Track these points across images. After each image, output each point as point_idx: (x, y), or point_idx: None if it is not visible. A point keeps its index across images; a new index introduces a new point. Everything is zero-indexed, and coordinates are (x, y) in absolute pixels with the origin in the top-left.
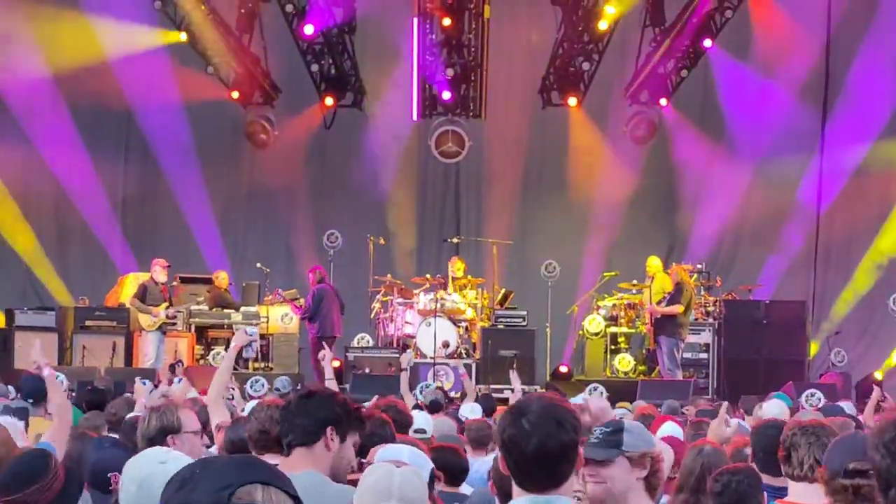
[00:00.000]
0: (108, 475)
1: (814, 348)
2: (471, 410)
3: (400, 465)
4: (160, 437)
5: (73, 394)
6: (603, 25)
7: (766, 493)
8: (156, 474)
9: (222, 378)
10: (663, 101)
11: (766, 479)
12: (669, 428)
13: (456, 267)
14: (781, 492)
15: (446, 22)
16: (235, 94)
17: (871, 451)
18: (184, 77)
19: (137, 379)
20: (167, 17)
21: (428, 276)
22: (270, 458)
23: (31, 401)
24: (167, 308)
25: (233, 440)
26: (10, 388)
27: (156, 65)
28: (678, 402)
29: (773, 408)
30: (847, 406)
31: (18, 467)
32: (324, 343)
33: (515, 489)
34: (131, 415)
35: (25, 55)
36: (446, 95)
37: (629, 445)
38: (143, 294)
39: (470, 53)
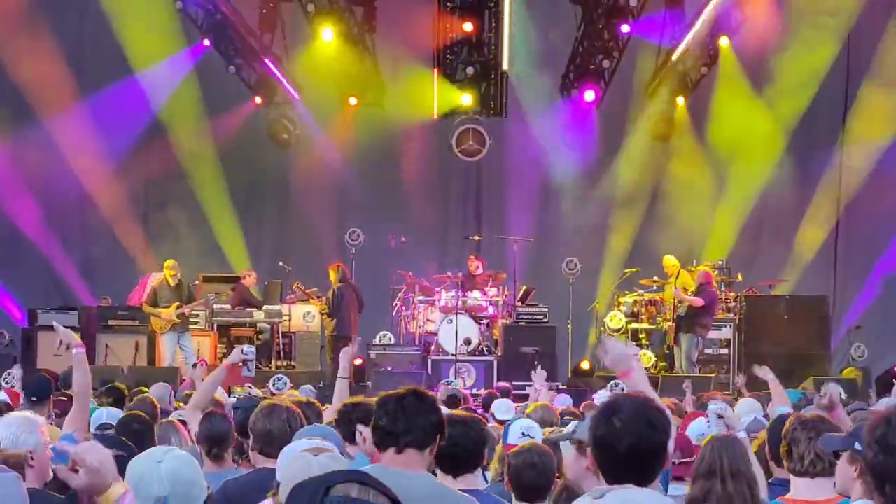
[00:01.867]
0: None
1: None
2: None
3: (318, 454)
4: None
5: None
6: (625, 28)
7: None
8: (151, 471)
9: (206, 390)
10: (679, 100)
11: (780, 472)
12: (701, 427)
13: (473, 265)
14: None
15: (467, 27)
16: (257, 95)
17: (864, 448)
18: (206, 77)
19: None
20: (188, 18)
21: (449, 273)
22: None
23: (34, 399)
24: (178, 308)
25: (209, 431)
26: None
27: (178, 65)
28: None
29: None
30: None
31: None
32: (341, 342)
33: (600, 482)
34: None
35: (47, 56)
36: (466, 100)
37: (579, 433)
38: (153, 297)
39: (490, 52)
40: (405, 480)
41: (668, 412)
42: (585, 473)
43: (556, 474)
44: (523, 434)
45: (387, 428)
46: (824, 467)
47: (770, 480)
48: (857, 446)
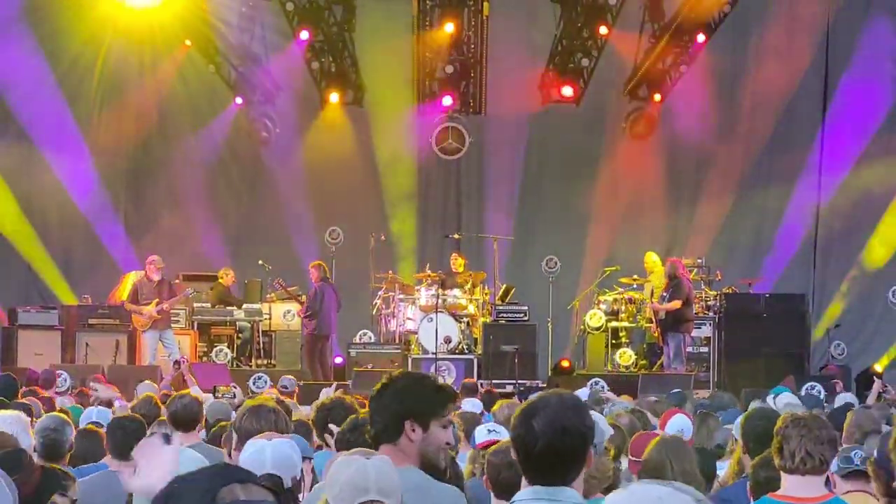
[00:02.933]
0: None
1: (819, 332)
2: (472, 406)
3: (370, 457)
4: None
5: (76, 391)
6: (603, 30)
7: None
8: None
9: None
10: (657, 97)
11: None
12: (680, 420)
13: (457, 263)
14: None
15: (449, 28)
16: (237, 94)
17: (891, 451)
18: (185, 77)
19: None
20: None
21: (429, 271)
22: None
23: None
24: (157, 305)
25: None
26: None
27: (157, 65)
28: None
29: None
30: (848, 396)
31: None
32: (319, 341)
33: (523, 481)
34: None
35: (26, 53)
36: (447, 101)
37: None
38: (135, 294)
39: (469, 50)
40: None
41: (590, 416)
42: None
43: None
44: (489, 431)
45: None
46: (815, 465)
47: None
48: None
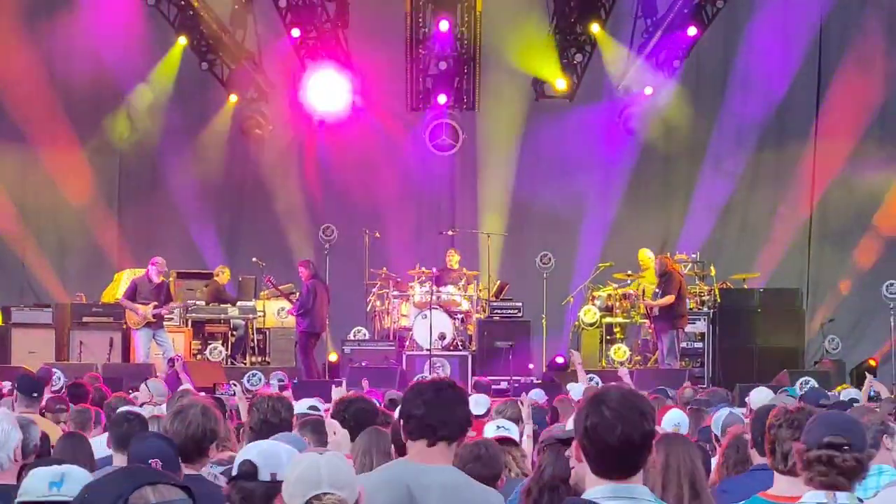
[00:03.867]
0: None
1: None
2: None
3: (322, 453)
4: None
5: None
6: (595, 27)
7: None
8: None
9: None
10: (648, 90)
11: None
12: (676, 416)
13: (451, 260)
14: None
15: (442, 24)
16: (230, 91)
17: None
18: (179, 73)
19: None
20: (161, 15)
21: (423, 268)
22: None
23: (35, 394)
24: (155, 308)
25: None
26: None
27: (151, 62)
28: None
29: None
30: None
31: None
32: (312, 338)
33: (591, 477)
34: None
35: (20, 54)
36: (442, 99)
37: None
38: (132, 291)
39: (463, 46)
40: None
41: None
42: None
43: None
44: (498, 428)
45: (425, 419)
46: None
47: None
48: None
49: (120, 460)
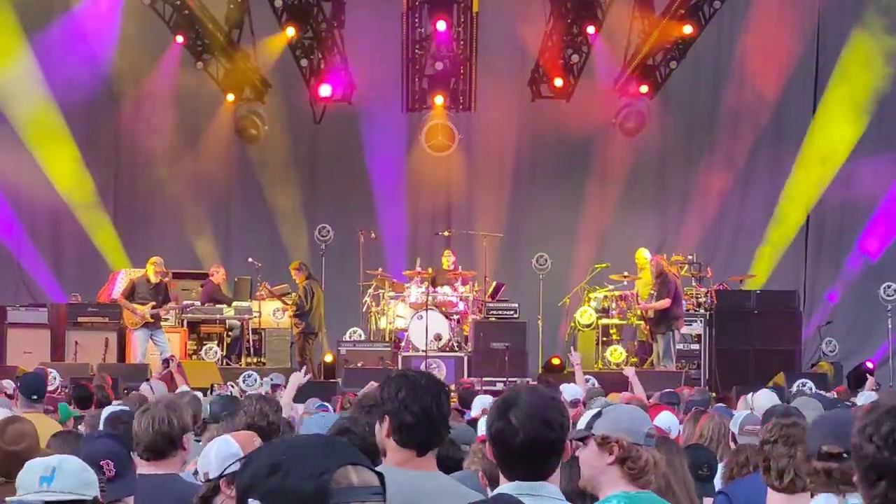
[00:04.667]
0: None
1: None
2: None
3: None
4: None
5: (66, 390)
6: (590, 29)
7: None
8: None
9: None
10: (643, 89)
11: None
12: (666, 417)
13: (447, 260)
14: None
15: (439, 25)
16: (226, 91)
17: (864, 441)
18: (174, 73)
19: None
20: (157, 14)
21: (419, 269)
22: None
23: (35, 397)
24: (153, 308)
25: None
26: (9, 382)
27: (147, 62)
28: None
29: (764, 398)
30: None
31: None
32: (309, 338)
33: (502, 476)
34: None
35: (17, 53)
36: (438, 100)
37: (597, 428)
38: (131, 291)
39: (459, 47)
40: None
41: (568, 410)
42: (605, 469)
43: None
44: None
45: (421, 432)
46: (805, 485)
47: None
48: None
49: None
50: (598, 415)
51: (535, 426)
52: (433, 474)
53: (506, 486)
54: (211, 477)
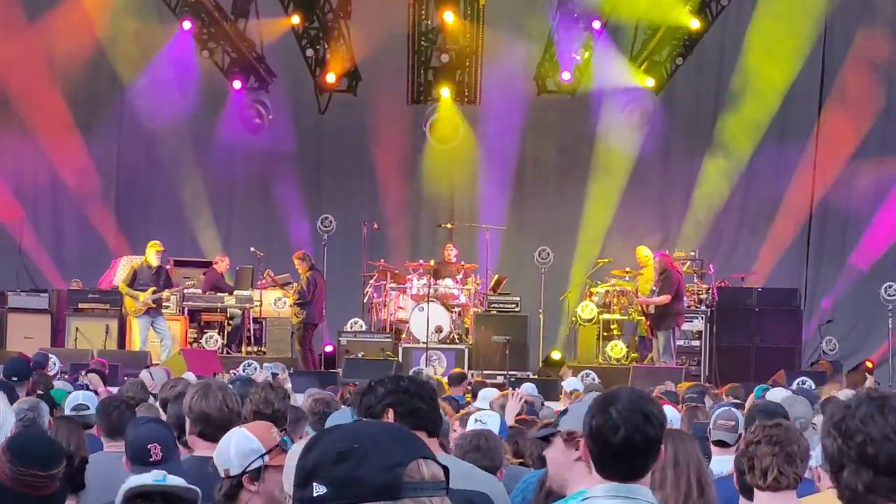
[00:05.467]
0: (148, 447)
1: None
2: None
3: None
4: None
5: (66, 376)
6: (596, 24)
7: None
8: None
9: None
10: (652, 86)
11: None
12: (668, 412)
13: (450, 253)
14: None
15: (447, 17)
16: (231, 79)
17: (825, 438)
18: (179, 62)
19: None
20: (163, 2)
21: (421, 261)
22: None
23: (14, 379)
24: (154, 293)
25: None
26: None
27: (151, 50)
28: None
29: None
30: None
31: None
32: (310, 329)
33: (596, 475)
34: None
35: (20, 40)
36: (443, 92)
37: (562, 424)
38: (133, 278)
39: (465, 39)
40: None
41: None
42: (572, 465)
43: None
44: (476, 421)
45: (429, 415)
46: (788, 483)
47: None
48: None
49: (112, 447)
50: (565, 412)
51: (637, 421)
52: (448, 457)
53: (599, 488)
54: (233, 474)
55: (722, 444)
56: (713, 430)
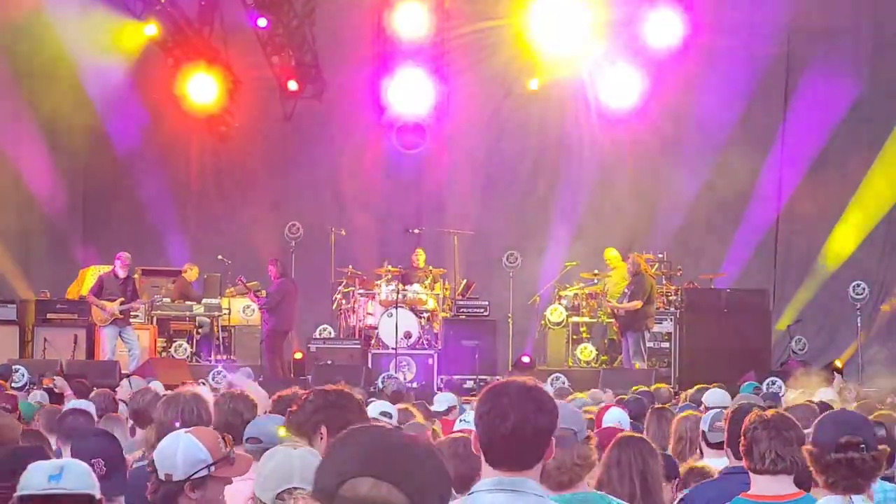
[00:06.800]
0: (92, 461)
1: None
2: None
3: (295, 447)
4: None
5: (35, 388)
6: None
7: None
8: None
9: None
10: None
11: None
12: (616, 414)
13: (418, 259)
14: None
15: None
16: (196, 87)
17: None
18: (144, 69)
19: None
20: (127, 10)
21: (389, 266)
22: None
23: None
24: (121, 304)
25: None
26: None
27: (115, 58)
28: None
29: (715, 396)
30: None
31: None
32: (280, 336)
33: (485, 468)
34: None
35: None
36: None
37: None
38: (99, 288)
39: (432, 44)
40: None
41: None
42: None
43: None
44: (462, 421)
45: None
46: (786, 466)
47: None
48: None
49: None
50: None
51: (526, 408)
52: None
53: (484, 482)
54: (176, 479)
55: (720, 445)
56: (709, 433)
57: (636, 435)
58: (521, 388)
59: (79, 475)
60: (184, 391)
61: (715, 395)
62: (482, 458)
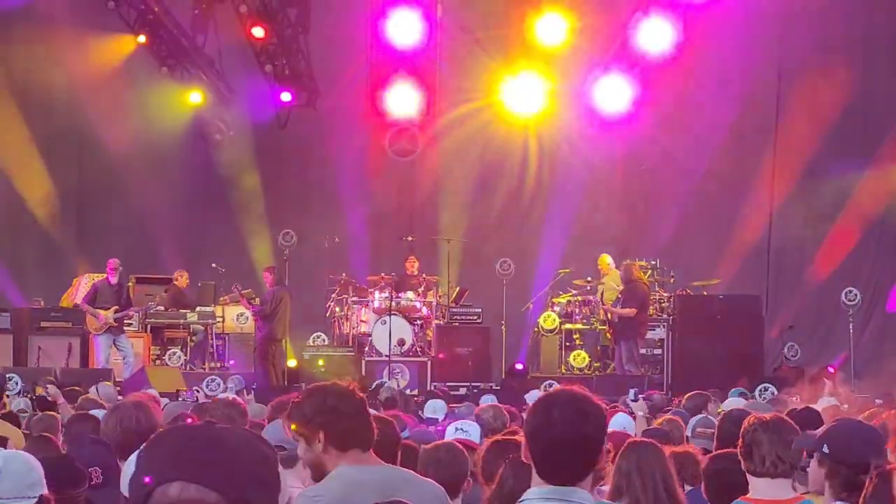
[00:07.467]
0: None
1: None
2: (435, 407)
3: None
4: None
5: (28, 395)
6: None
7: None
8: None
9: None
10: (610, 96)
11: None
12: (622, 420)
13: (412, 266)
14: None
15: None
16: (190, 95)
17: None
18: (139, 77)
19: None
20: (120, 18)
21: (383, 274)
22: None
23: None
24: (116, 311)
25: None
26: None
27: (110, 65)
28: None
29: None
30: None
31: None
32: (273, 344)
33: (535, 479)
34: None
35: None
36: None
37: None
38: (93, 296)
39: (425, 53)
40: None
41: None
42: None
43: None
44: (457, 430)
45: (360, 432)
46: (785, 469)
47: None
48: (826, 450)
49: None
50: None
51: (575, 419)
52: (395, 468)
53: (531, 491)
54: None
55: (704, 451)
56: (692, 439)
57: (646, 440)
58: (569, 398)
59: (16, 475)
60: (127, 399)
61: (735, 402)
62: (532, 469)
